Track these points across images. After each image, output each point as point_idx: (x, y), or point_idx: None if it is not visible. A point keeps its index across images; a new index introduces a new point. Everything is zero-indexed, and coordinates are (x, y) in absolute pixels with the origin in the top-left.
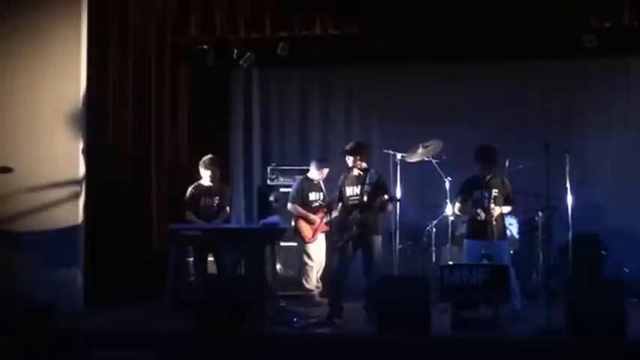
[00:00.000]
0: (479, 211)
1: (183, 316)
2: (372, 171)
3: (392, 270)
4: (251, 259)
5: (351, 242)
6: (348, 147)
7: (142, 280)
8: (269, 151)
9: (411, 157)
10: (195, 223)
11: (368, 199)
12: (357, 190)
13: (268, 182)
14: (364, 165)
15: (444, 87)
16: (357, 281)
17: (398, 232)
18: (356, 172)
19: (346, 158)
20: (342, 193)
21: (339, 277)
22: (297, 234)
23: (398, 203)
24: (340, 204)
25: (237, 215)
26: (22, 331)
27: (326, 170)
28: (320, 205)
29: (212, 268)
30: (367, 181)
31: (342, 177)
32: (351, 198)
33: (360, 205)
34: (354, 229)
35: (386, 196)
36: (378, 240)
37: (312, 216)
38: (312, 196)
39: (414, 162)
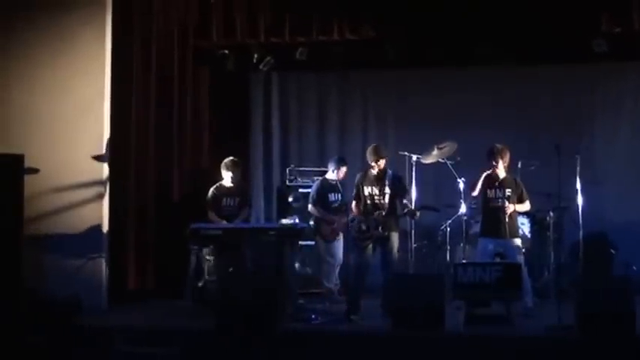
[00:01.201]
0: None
1: (204, 314)
2: (390, 172)
3: (407, 268)
4: (270, 258)
5: (370, 242)
6: (376, 151)
7: (164, 278)
8: (288, 153)
9: (426, 159)
10: (217, 222)
11: (388, 199)
12: (376, 190)
13: (287, 183)
14: (382, 165)
15: (458, 90)
16: (375, 278)
17: (413, 231)
18: (375, 171)
19: (380, 161)
20: (360, 192)
21: (359, 276)
22: (317, 234)
23: (414, 215)
24: (355, 202)
25: (257, 215)
26: (49, 327)
27: (343, 170)
28: (339, 205)
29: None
30: (386, 182)
31: (359, 176)
32: (370, 197)
33: (380, 205)
34: (378, 229)
35: (406, 209)
36: (396, 237)
37: (331, 217)
38: (332, 197)
39: (428, 163)
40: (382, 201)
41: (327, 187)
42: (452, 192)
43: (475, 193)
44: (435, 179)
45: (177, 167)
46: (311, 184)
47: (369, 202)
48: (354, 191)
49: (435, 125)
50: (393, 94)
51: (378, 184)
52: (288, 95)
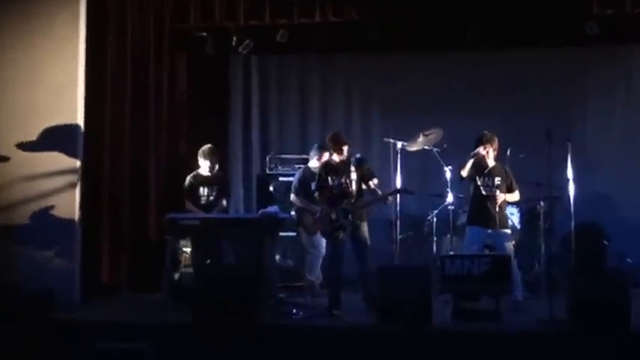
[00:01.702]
0: (480, 149)
1: (181, 307)
2: (353, 157)
3: (392, 260)
4: (250, 250)
5: (342, 232)
6: (338, 138)
7: (140, 270)
8: (268, 140)
9: (412, 146)
10: (194, 212)
11: (355, 185)
12: (342, 178)
13: (267, 171)
14: (346, 153)
15: (445, 75)
16: (355, 270)
17: (398, 221)
18: (338, 159)
19: (343, 148)
20: (323, 181)
21: (334, 268)
22: (299, 224)
23: (398, 195)
24: (319, 193)
25: (236, 205)
26: (21, 321)
27: (325, 157)
28: None
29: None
30: (351, 169)
31: (320, 167)
32: (336, 187)
33: (348, 193)
34: (347, 218)
35: (375, 181)
36: (365, 227)
37: (314, 207)
38: (314, 186)
39: (414, 151)
40: (350, 189)
41: (309, 176)
42: (438, 181)
43: (465, 173)
44: (421, 167)
45: (154, 154)
46: (292, 172)
47: (335, 191)
48: (317, 181)
49: (421, 111)
50: (377, 80)
51: (343, 172)
52: (268, 79)
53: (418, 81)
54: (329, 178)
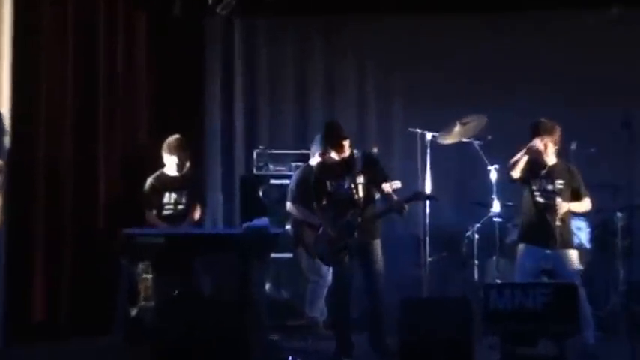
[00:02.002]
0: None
1: (139, 353)
2: (359, 153)
3: (420, 290)
4: (231, 276)
5: (347, 253)
6: (337, 130)
7: (85, 304)
8: (256, 130)
9: (446, 138)
10: (157, 226)
11: (363, 192)
12: (343, 182)
13: (255, 171)
14: (347, 148)
15: (491, 43)
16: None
17: (428, 238)
18: (338, 158)
19: (343, 143)
20: (319, 188)
21: (343, 301)
22: (297, 242)
23: (428, 202)
24: (317, 204)
25: (213, 216)
26: None
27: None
28: None
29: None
30: (357, 168)
31: (314, 168)
32: (337, 194)
33: (354, 202)
34: (353, 235)
35: (393, 184)
36: (378, 246)
37: (316, 219)
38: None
39: (448, 144)
40: (356, 196)
41: (311, 177)
42: (481, 184)
43: (516, 174)
44: (458, 167)
45: (104, 149)
46: (288, 173)
47: (336, 199)
48: (307, 188)
49: (457, 93)
50: (399, 49)
51: (346, 174)
52: (256, 49)
53: (453, 51)
54: (327, 183)
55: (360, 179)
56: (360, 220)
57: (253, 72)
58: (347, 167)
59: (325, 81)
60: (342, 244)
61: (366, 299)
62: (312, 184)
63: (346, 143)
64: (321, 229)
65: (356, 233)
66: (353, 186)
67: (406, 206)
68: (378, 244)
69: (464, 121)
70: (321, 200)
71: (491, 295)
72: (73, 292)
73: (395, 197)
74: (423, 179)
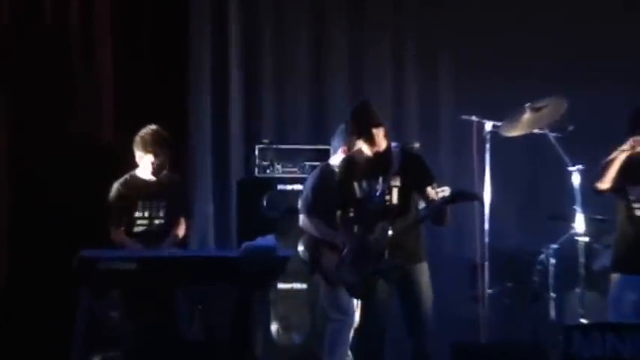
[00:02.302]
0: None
1: None
2: (396, 147)
3: (477, 332)
4: (225, 314)
5: (379, 280)
6: (369, 113)
7: (31, 350)
8: (257, 119)
9: (511, 129)
10: (127, 246)
11: (398, 196)
12: (377, 185)
13: (257, 173)
14: (382, 139)
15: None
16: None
17: (487, 264)
18: (370, 152)
19: (377, 132)
20: (346, 192)
21: (374, 349)
22: (314, 268)
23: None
24: (340, 213)
25: (201, 233)
26: None
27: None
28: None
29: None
30: (393, 166)
31: (335, 167)
32: (366, 200)
33: (389, 212)
34: (383, 255)
35: (439, 191)
36: (424, 270)
37: (340, 238)
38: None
39: (515, 136)
40: (390, 203)
41: (331, 180)
42: (558, 191)
43: (605, 186)
44: (528, 166)
45: (59, 144)
46: (300, 175)
47: (366, 207)
48: (326, 195)
49: (525, 69)
50: (444, 9)
51: (380, 174)
52: (256, 9)
53: (519, 15)
54: (355, 187)
55: (397, 181)
56: (390, 234)
57: (253, 39)
58: (382, 165)
59: (349, 53)
60: (371, 268)
61: (408, 343)
62: (333, 189)
63: (380, 132)
64: (345, 249)
65: (387, 253)
66: (387, 189)
67: (447, 215)
68: (423, 269)
69: (536, 105)
70: (347, 210)
71: (574, 339)
72: (14, 334)
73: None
74: (480, 183)
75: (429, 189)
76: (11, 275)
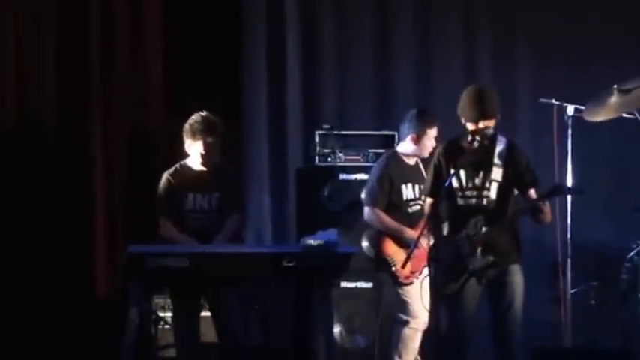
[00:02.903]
0: None
1: None
2: (504, 139)
3: (558, 336)
4: (284, 315)
5: (469, 282)
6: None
7: (77, 353)
8: (317, 102)
9: (596, 113)
10: (178, 241)
11: (498, 193)
12: (477, 178)
13: (317, 162)
14: (490, 129)
15: None
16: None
17: (570, 262)
18: (475, 142)
19: (488, 115)
20: (442, 180)
21: (454, 356)
22: (380, 265)
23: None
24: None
25: (256, 227)
26: None
27: (431, 135)
28: (422, 207)
29: (209, 330)
30: (496, 159)
31: (440, 152)
32: (462, 194)
33: (482, 207)
34: (475, 254)
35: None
36: (517, 273)
37: (407, 231)
38: (408, 190)
39: (601, 121)
40: (488, 199)
41: (398, 170)
42: None
43: None
44: (615, 155)
45: (102, 133)
46: (365, 164)
47: (460, 202)
48: (391, 185)
49: (612, 45)
50: None
51: (479, 165)
52: None
53: None
54: (451, 173)
55: (498, 175)
56: (485, 232)
57: (315, 15)
58: (484, 156)
59: (417, 34)
60: (459, 266)
61: (490, 348)
62: (432, 171)
63: (492, 122)
64: (413, 246)
65: (481, 253)
66: (487, 183)
67: (546, 208)
68: (517, 271)
69: (624, 87)
70: (438, 199)
71: None
72: (63, 337)
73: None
74: (561, 173)
75: (531, 191)
76: (60, 275)
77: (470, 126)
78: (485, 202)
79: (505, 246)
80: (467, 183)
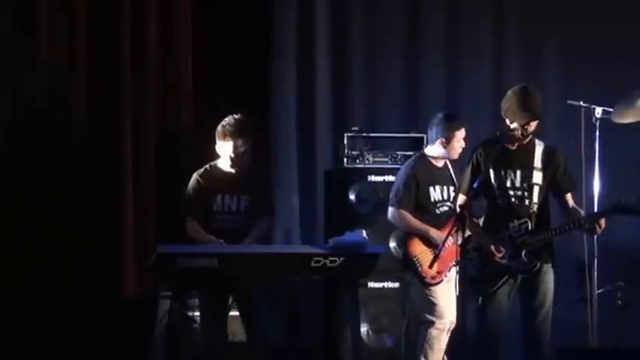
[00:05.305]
0: None
1: None
2: (541, 142)
3: (585, 336)
4: (313, 316)
5: (506, 283)
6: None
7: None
8: (347, 104)
9: (624, 115)
10: (207, 242)
11: (539, 195)
12: (518, 177)
13: (346, 164)
14: (534, 126)
15: None
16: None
17: (597, 262)
18: (519, 142)
19: (533, 115)
20: (484, 178)
21: (487, 355)
22: (408, 266)
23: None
24: (464, 199)
25: (285, 227)
26: None
27: (459, 137)
28: (450, 209)
29: (238, 330)
30: (535, 161)
31: (479, 152)
32: (503, 193)
33: (523, 209)
34: (520, 255)
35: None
36: (549, 272)
37: (433, 230)
38: (435, 191)
39: (629, 123)
40: (530, 201)
41: (426, 172)
42: None
43: None
44: None
45: (131, 130)
46: (393, 166)
47: (500, 201)
48: (418, 187)
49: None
50: None
51: (518, 166)
52: None
53: None
54: (490, 172)
55: (539, 179)
56: (528, 235)
57: (344, 16)
58: (524, 155)
59: (446, 37)
60: (500, 266)
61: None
62: (470, 169)
63: (534, 123)
64: (441, 246)
65: (524, 254)
66: (527, 186)
67: (602, 222)
68: (549, 270)
69: None
70: (478, 197)
71: None
72: (91, 336)
73: (581, 211)
74: (589, 175)
75: (568, 196)
76: (89, 275)
77: (517, 126)
78: (527, 203)
79: (543, 248)
80: (506, 182)
